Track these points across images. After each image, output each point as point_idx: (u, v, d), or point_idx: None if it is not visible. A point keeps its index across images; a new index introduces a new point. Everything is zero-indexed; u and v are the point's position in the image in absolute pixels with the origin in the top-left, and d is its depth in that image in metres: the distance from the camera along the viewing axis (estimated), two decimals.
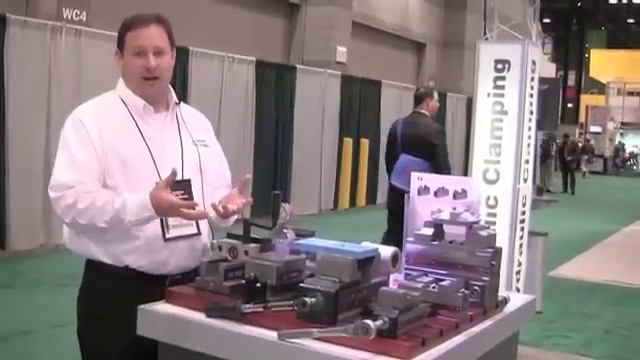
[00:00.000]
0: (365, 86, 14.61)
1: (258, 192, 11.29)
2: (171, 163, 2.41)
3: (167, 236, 2.39)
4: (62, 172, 2.36)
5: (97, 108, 2.45)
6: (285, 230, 2.29)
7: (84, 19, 9.71)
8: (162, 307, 2.13)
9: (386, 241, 5.76)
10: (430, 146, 6.54)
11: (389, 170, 6.92)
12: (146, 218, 2.30)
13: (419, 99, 7.08)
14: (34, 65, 8.14)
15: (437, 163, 6.44)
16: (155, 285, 2.26)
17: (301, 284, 1.95)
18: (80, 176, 2.32)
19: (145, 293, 2.20)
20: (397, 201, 5.65)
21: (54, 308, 5.81)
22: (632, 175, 32.57)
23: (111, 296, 2.36)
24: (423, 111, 6.98)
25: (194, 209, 2.28)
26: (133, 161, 2.38)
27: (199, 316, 2.03)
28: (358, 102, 14.33)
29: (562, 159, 22.19)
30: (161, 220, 2.37)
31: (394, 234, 5.91)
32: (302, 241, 2.22)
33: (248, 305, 1.96)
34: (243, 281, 2.04)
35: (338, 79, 13.75)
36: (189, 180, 2.45)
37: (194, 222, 2.45)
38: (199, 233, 2.47)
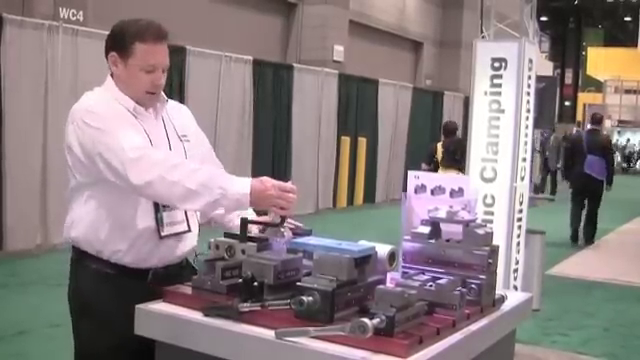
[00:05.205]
0: (362, 85, 14.60)
1: None
2: None
3: (162, 234, 2.41)
4: (131, 138, 2.25)
5: (104, 105, 2.38)
6: (282, 229, 2.29)
7: (81, 19, 9.70)
8: (159, 306, 2.13)
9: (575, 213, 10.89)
10: (607, 149, 10.87)
11: (571, 165, 11.17)
12: (241, 195, 2.19)
13: (599, 121, 11.54)
14: (31, 65, 8.12)
15: (610, 160, 10.85)
16: (138, 279, 2.29)
17: (298, 283, 1.95)
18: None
19: (130, 288, 2.21)
20: (588, 183, 10.53)
21: (50, 308, 5.80)
22: (630, 173, 32.56)
23: (97, 293, 2.37)
24: (599, 127, 11.54)
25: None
26: None
27: (196, 315, 2.02)
28: (355, 101, 14.32)
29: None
30: (156, 218, 2.38)
31: (578, 208, 10.85)
32: (299, 240, 2.22)
33: (245, 304, 1.95)
34: (240, 280, 2.04)
35: (335, 78, 13.74)
36: None
37: (186, 220, 2.48)
38: (189, 230, 2.50)
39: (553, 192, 19.02)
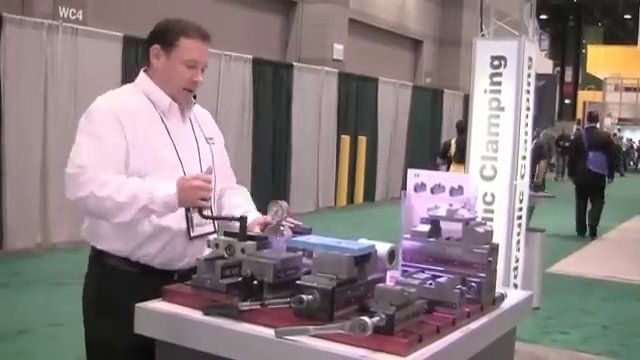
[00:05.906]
0: (362, 83, 14.60)
1: (256, 190, 11.32)
2: (191, 161, 2.45)
3: (192, 235, 2.43)
4: (87, 154, 2.31)
5: (125, 104, 2.40)
6: (282, 228, 2.29)
7: (80, 18, 9.69)
8: (159, 305, 2.12)
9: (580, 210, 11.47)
10: (607, 145, 11.50)
11: (575, 162, 11.81)
12: (168, 197, 2.28)
13: (595, 119, 12.29)
14: (31, 64, 8.12)
15: (611, 155, 11.54)
16: (165, 280, 2.28)
17: (298, 281, 1.95)
18: (104, 159, 2.31)
19: (152, 288, 2.20)
20: (591, 179, 11.15)
21: (51, 307, 5.81)
22: (629, 171, 32.55)
23: (124, 292, 2.34)
24: (597, 125, 12.30)
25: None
26: (163, 159, 2.39)
27: (196, 314, 2.02)
28: (355, 99, 14.32)
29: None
30: (187, 218, 2.41)
31: (583, 202, 11.44)
32: (299, 238, 2.22)
33: (245, 303, 1.95)
34: (240, 279, 2.03)
35: (335, 76, 13.74)
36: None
37: (212, 220, 2.49)
38: (216, 231, 2.52)
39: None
